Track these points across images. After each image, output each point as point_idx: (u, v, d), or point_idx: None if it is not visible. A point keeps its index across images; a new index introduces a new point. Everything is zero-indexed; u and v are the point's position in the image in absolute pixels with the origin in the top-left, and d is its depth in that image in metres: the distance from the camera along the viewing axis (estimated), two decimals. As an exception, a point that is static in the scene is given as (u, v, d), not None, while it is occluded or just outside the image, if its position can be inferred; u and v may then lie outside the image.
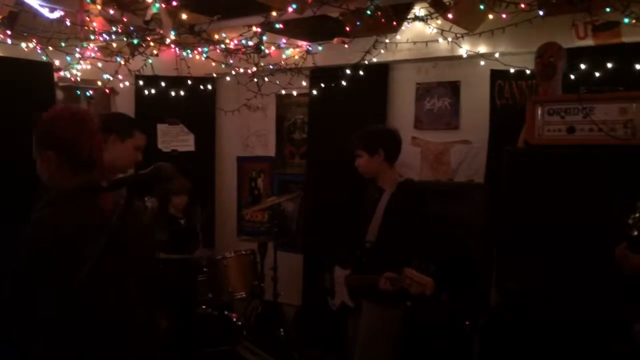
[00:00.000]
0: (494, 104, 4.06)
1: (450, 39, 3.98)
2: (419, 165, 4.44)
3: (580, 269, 2.62)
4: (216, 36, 4.42)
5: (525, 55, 3.70)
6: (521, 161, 3.01)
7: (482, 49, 3.97)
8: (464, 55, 4.04)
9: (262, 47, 4.03)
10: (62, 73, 4.68)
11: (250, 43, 4.21)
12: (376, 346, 2.91)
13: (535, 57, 3.24)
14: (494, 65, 3.97)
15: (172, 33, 3.84)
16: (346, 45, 4.35)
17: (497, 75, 4.02)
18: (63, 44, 4.29)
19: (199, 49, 4.44)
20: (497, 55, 3.92)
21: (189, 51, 4.53)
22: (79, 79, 4.85)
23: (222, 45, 4.33)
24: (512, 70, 3.92)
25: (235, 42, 4.37)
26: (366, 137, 3.06)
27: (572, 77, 3.53)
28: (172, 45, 4.42)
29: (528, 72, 3.81)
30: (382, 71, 4.55)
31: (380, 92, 4.58)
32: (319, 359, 4.17)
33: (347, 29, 4.13)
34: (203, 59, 4.65)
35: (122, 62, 4.54)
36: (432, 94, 4.42)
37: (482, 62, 4.04)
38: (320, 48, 4.53)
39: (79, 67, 4.75)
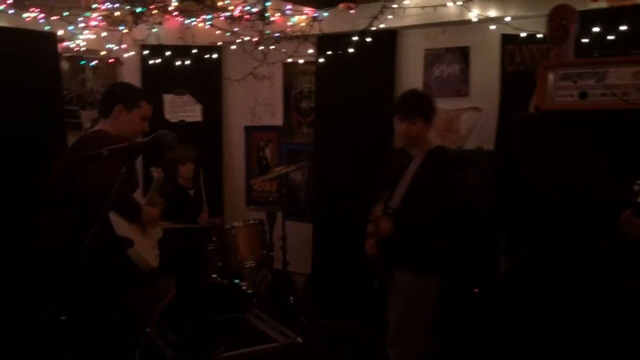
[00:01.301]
0: (505, 69, 3.98)
1: (459, 3, 3.88)
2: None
3: (590, 235, 2.60)
4: (220, 3, 4.34)
5: (536, 18, 3.60)
6: (531, 127, 2.96)
7: (492, 12, 3.87)
8: (474, 20, 3.94)
9: (266, 14, 3.95)
10: (65, 43, 4.61)
11: (255, 10, 4.13)
12: (414, 315, 2.89)
13: (547, 20, 3.15)
14: (505, 29, 3.88)
15: (174, 0, 3.76)
16: (352, 11, 4.26)
17: (508, 40, 3.93)
18: (65, 13, 4.23)
19: (203, 17, 4.35)
20: (507, 19, 3.83)
21: (193, 19, 4.45)
22: (82, 49, 4.80)
23: (227, 13, 4.25)
24: (523, 35, 3.82)
25: (240, 9, 4.28)
26: (426, 104, 3.01)
27: (585, 40, 3.44)
28: (175, 13, 4.33)
29: (539, 36, 3.71)
30: (390, 37, 4.46)
31: (388, 59, 4.50)
32: (329, 327, 4.19)
33: (353, -7, 4.04)
34: (207, 27, 4.57)
35: (125, 31, 4.46)
36: (441, 60, 4.33)
37: (492, 27, 3.94)
38: (325, 14, 4.43)
39: (82, 37, 4.69)
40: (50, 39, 4.41)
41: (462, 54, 4.24)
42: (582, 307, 2.60)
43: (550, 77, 2.87)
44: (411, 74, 4.47)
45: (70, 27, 4.38)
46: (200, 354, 3.06)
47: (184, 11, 4.32)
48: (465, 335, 3.29)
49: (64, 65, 4.78)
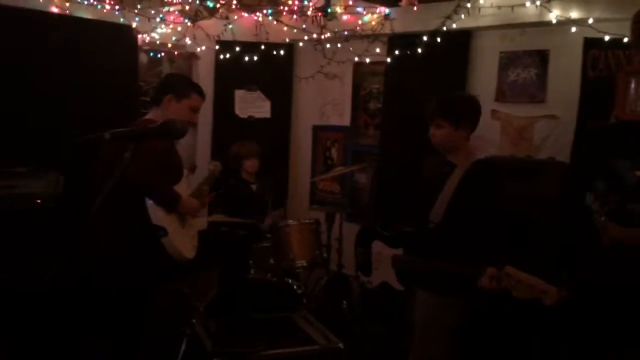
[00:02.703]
0: (586, 75, 3.68)
1: (539, 3, 3.65)
2: (499, 140, 4.15)
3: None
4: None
5: (623, 21, 3.29)
6: (606, 138, 2.73)
7: (575, 14, 3.60)
8: (554, 21, 3.68)
9: (329, 9, 3.87)
10: (140, 36, 4.75)
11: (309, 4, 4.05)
12: (432, 337, 2.60)
13: (632, 23, 2.88)
14: (588, 32, 3.59)
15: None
16: (415, 8, 4.10)
17: (591, 44, 3.63)
18: (139, 7, 4.35)
19: (264, 11, 4.33)
20: (591, 21, 3.54)
21: (259, 14, 4.45)
22: (158, 42, 4.92)
23: (286, 7, 4.21)
24: (608, 39, 3.52)
25: (298, 3, 4.23)
26: (452, 107, 2.64)
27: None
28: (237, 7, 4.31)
29: (626, 40, 3.41)
30: (463, 39, 4.27)
31: (460, 61, 4.30)
32: (379, 335, 4.04)
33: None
34: (274, 23, 4.56)
35: (189, 24, 4.50)
36: (516, 64, 4.08)
37: (574, 29, 3.66)
38: (387, 12, 4.28)
39: (159, 30, 4.81)
40: (129, 31, 4.57)
41: (541, 58, 3.97)
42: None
43: (632, 84, 2.65)
44: (484, 78, 4.25)
45: (137, 19, 4.46)
46: (239, 349, 3.03)
47: (247, 5, 4.30)
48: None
49: (143, 58, 4.94)
